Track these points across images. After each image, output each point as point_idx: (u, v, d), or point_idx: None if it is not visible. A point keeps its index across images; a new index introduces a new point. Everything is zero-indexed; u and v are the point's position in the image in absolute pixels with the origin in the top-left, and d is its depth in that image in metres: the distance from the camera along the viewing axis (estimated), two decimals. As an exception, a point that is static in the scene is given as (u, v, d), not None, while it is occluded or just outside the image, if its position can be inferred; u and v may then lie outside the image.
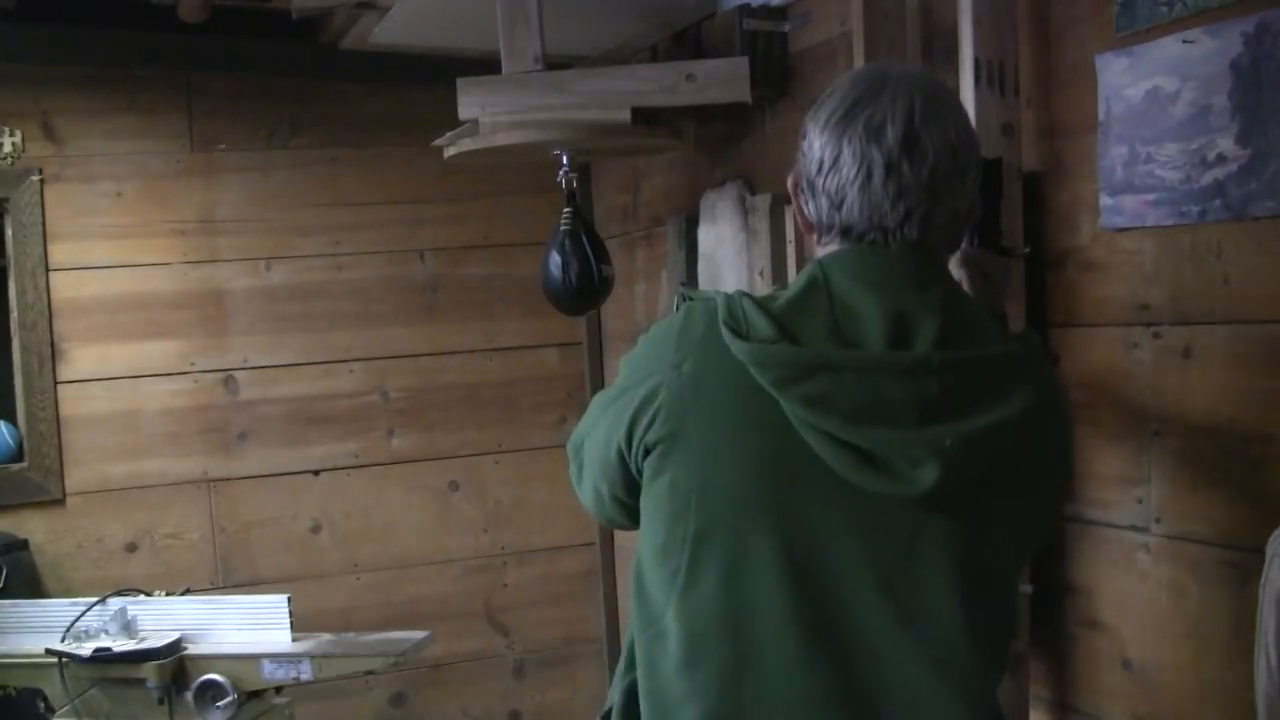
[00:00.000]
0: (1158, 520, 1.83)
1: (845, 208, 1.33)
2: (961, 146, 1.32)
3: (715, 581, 1.31)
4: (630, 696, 1.43)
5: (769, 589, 1.29)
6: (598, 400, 1.49)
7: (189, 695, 2.77)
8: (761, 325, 1.28)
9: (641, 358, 1.40)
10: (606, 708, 1.51)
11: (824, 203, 1.35)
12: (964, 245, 1.61)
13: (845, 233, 1.34)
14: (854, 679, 1.30)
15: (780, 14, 2.78)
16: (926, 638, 1.29)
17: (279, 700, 2.92)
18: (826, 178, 1.33)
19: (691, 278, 3.14)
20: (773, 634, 1.30)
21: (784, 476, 1.29)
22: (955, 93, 1.38)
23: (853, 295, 1.29)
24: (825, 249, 1.37)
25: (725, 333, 1.28)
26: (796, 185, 1.41)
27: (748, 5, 2.79)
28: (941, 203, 1.32)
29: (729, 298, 1.32)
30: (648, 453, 1.35)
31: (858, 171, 1.30)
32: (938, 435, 1.23)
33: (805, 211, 1.40)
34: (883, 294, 1.29)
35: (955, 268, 1.65)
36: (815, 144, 1.35)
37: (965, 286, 1.66)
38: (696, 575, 1.32)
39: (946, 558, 1.28)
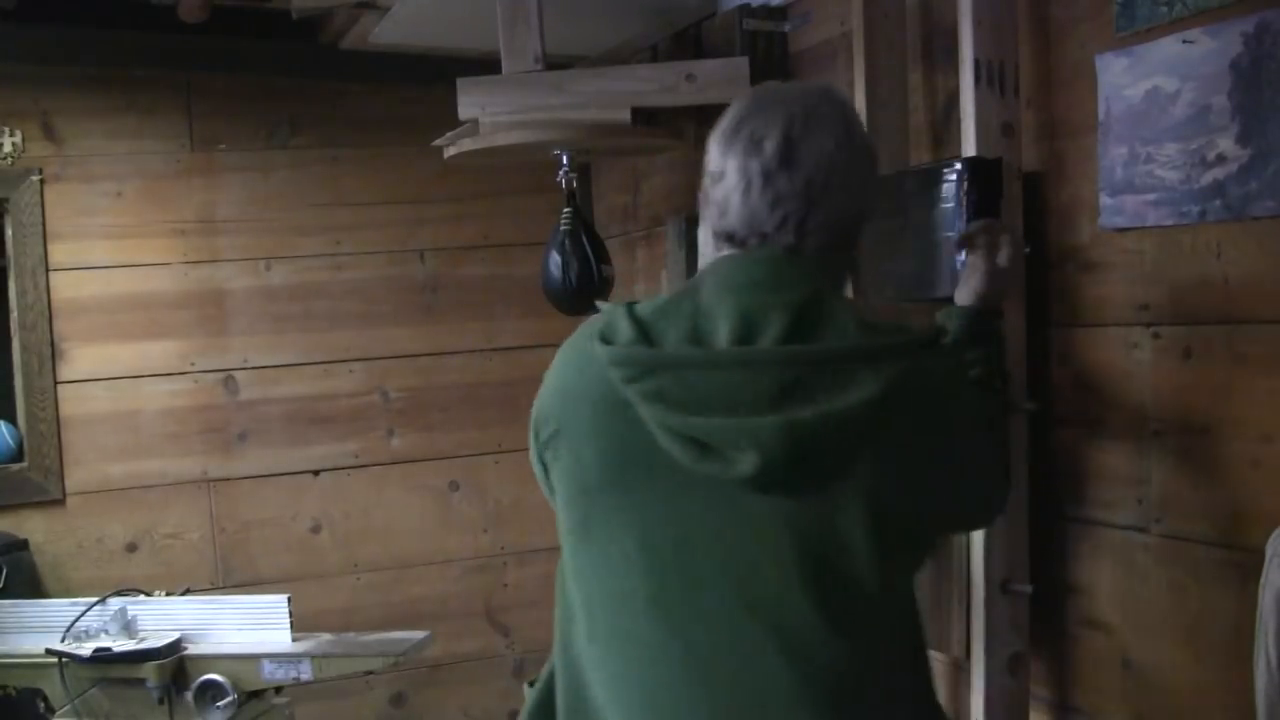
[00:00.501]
0: (1158, 520, 1.83)
1: (730, 215, 1.43)
2: (841, 157, 1.41)
3: (594, 566, 1.44)
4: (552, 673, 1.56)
5: (634, 574, 1.39)
6: None
7: (189, 695, 2.77)
8: (624, 330, 1.40)
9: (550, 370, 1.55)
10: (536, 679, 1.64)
11: (714, 211, 1.46)
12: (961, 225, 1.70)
13: (730, 238, 1.45)
14: (703, 660, 1.36)
15: (780, 14, 2.78)
16: (771, 621, 1.34)
17: (279, 700, 2.92)
18: (717, 188, 1.45)
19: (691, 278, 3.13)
20: (639, 617, 1.39)
21: (641, 469, 1.38)
22: (843, 107, 1.47)
23: (714, 298, 1.40)
24: (719, 254, 1.48)
25: (596, 340, 1.42)
26: (702, 196, 1.51)
27: (748, 5, 2.79)
28: (819, 207, 1.41)
29: (613, 308, 1.45)
30: (544, 451, 1.50)
31: (739, 181, 1.42)
32: (761, 425, 1.31)
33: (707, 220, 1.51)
34: (740, 296, 1.39)
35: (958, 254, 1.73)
36: (711, 158, 1.47)
37: (966, 272, 1.73)
38: (581, 559, 1.46)
39: (787, 542, 1.33)
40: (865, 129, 1.50)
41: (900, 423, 1.34)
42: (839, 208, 1.42)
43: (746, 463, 1.32)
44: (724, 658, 1.36)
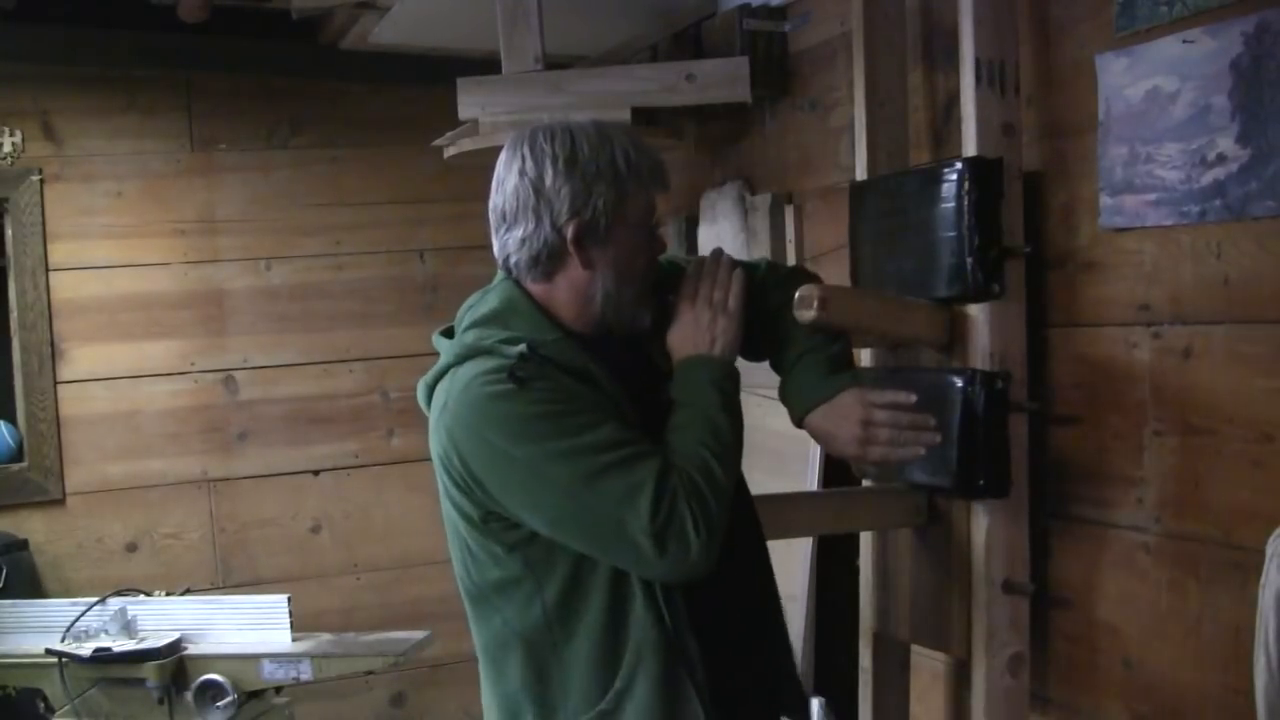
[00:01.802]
0: (1158, 520, 1.83)
1: None
2: (519, 193, 1.64)
3: None
4: None
5: None
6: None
7: (189, 695, 2.78)
8: None
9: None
10: None
11: None
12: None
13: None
14: None
15: (780, 14, 2.78)
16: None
17: (279, 700, 2.93)
18: None
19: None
20: None
21: None
22: (521, 142, 1.66)
23: None
24: None
25: None
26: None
27: (748, 5, 2.79)
28: (508, 235, 1.67)
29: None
30: None
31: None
32: None
33: None
34: (470, 301, 1.73)
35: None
36: None
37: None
38: None
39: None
40: (545, 155, 1.63)
41: (438, 430, 1.63)
42: (521, 234, 1.64)
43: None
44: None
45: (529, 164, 1.62)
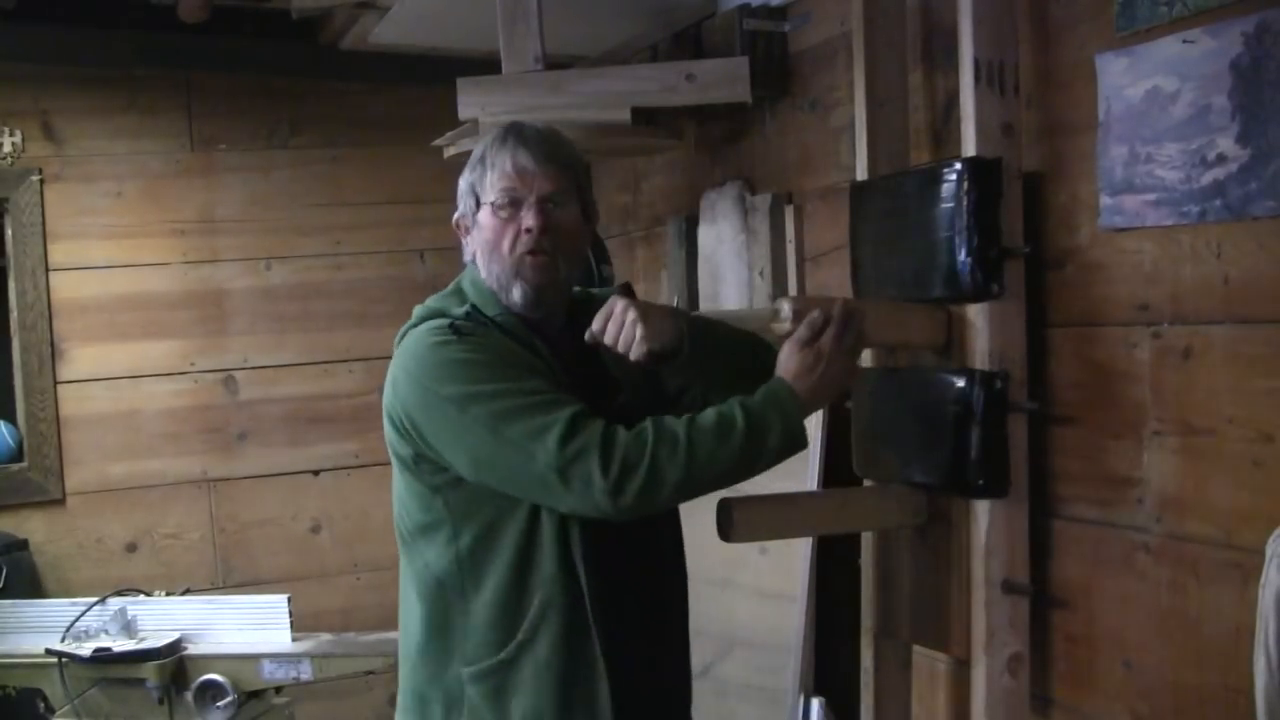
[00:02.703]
0: (1158, 520, 1.83)
1: None
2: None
3: None
4: None
5: None
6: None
7: (189, 695, 2.78)
8: None
9: None
10: None
11: None
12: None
13: None
14: None
15: (780, 14, 2.78)
16: None
17: (279, 700, 2.93)
18: None
19: (691, 278, 3.14)
20: None
21: None
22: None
23: None
24: None
25: None
26: None
27: (748, 5, 2.79)
28: None
29: None
30: None
31: None
32: None
33: None
34: None
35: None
36: None
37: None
38: None
39: None
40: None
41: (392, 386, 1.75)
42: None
43: None
44: None
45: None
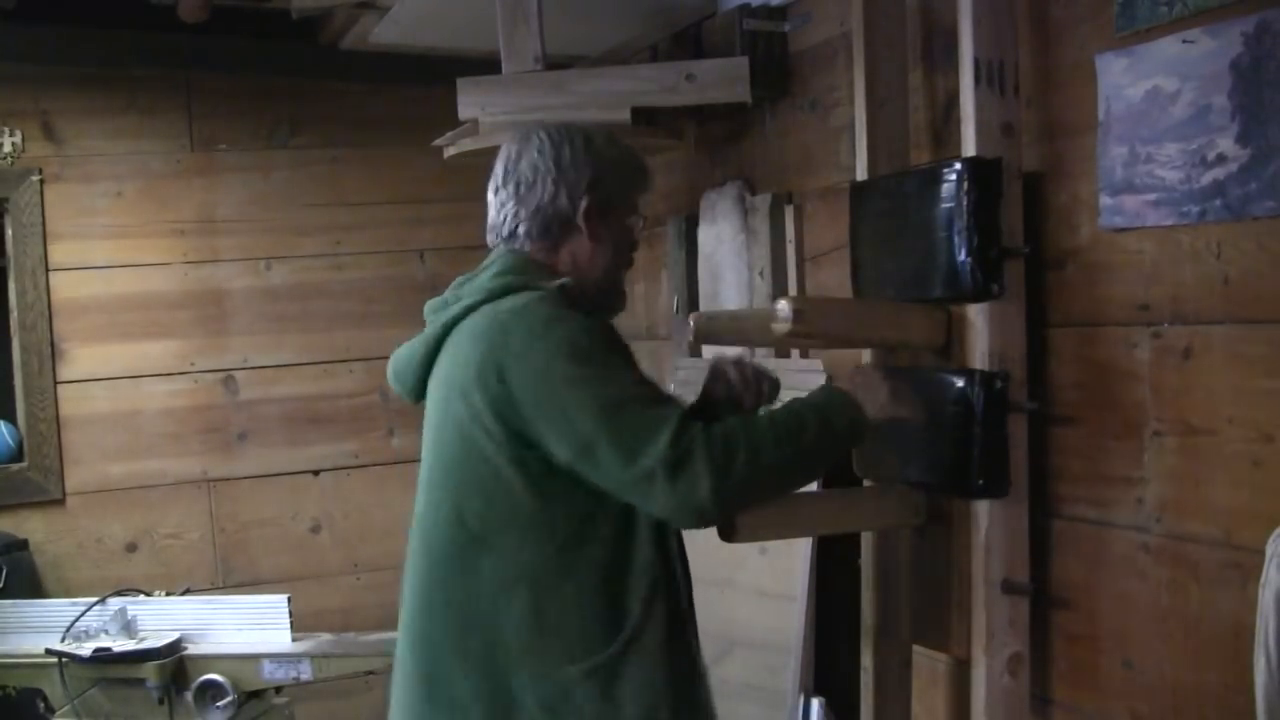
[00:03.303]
0: (1158, 520, 1.83)
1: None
2: (537, 166, 1.77)
3: None
4: None
5: None
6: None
7: (189, 695, 2.78)
8: None
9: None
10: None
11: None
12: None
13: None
14: None
15: (780, 14, 2.78)
16: None
17: (279, 700, 2.93)
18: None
19: (691, 278, 3.14)
20: None
21: None
22: (558, 133, 1.79)
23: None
24: None
25: None
26: None
27: (748, 5, 2.79)
28: (519, 205, 1.79)
29: None
30: None
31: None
32: None
33: None
34: (464, 276, 1.80)
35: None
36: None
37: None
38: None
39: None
40: (563, 138, 1.79)
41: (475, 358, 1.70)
42: (536, 203, 1.76)
43: None
44: None
45: (548, 144, 1.77)
